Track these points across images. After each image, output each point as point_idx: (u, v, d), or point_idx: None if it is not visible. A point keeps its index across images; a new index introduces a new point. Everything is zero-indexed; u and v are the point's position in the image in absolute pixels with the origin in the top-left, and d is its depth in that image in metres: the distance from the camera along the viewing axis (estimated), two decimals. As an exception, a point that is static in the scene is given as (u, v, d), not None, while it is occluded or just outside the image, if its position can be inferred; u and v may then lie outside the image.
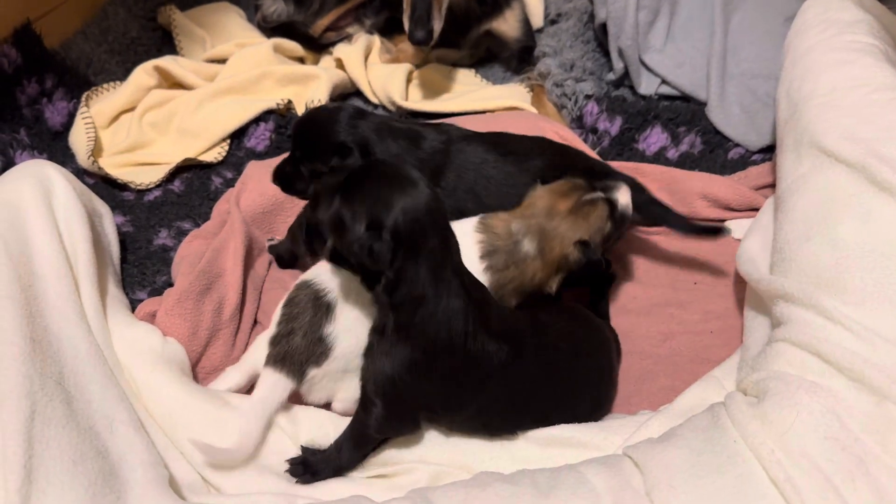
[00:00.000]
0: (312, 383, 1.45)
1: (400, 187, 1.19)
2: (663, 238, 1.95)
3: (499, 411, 1.38)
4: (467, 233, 1.52)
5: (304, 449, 1.41)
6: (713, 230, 1.76)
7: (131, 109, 2.38)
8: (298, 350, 1.41)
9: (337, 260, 1.29)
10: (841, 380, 1.17)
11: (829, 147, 1.49)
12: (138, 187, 2.18)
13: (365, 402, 1.33)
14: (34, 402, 1.21)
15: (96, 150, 2.23)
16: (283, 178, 1.76)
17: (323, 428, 1.46)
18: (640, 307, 1.76)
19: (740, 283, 1.76)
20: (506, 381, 1.33)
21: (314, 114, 1.75)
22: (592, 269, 1.52)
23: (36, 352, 1.29)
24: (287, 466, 1.39)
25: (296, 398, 1.49)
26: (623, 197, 1.60)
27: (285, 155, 1.78)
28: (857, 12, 1.85)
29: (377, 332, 1.29)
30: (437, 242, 1.20)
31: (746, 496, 1.10)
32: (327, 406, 1.52)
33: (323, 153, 1.65)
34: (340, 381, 1.46)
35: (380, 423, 1.33)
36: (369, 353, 1.32)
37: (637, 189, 1.71)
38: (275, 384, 1.43)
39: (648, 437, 1.28)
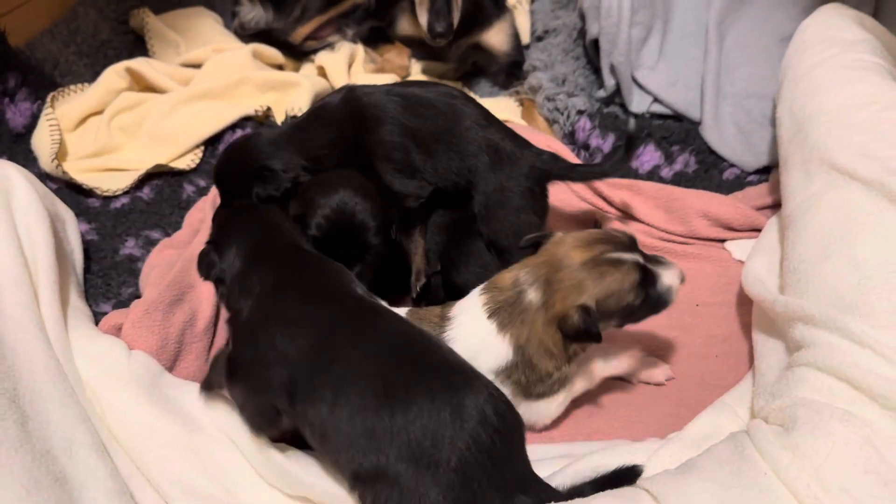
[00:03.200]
0: None
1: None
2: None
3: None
4: (474, 296, 1.42)
5: None
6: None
7: (99, 112, 2.26)
8: None
9: None
10: (874, 408, 1.08)
11: (842, 165, 1.43)
12: (105, 194, 2.05)
13: None
14: (-17, 422, 1.09)
15: (60, 154, 2.11)
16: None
17: None
18: (640, 329, 1.67)
19: (744, 306, 1.69)
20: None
21: (228, 148, 1.75)
22: (591, 340, 1.32)
23: (-13, 366, 1.17)
24: None
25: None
26: (669, 278, 1.37)
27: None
28: (859, 32, 1.82)
29: None
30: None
31: (783, 534, 1.01)
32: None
33: (242, 183, 1.62)
34: None
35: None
36: None
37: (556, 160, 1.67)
38: None
39: (664, 469, 1.18)
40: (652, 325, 1.68)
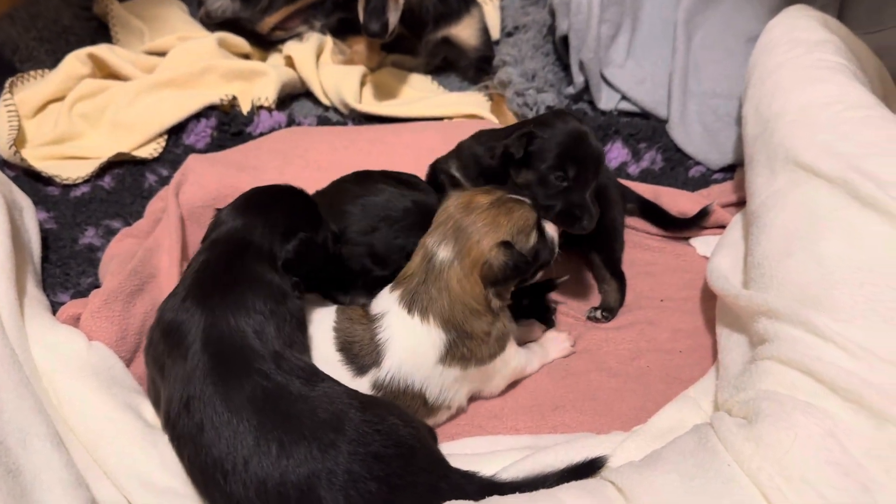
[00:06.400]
0: None
1: None
2: (627, 252, 1.87)
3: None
4: (390, 294, 1.40)
5: None
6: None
7: (60, 99, 2.21)
8: None
9: None
10: (835, 400, 1.10)
11: (806, 162, 1.45)
12: (64, 182, 2.01)
13: None
14: (-67, 412, 1.05)
15: (19, 141, 2.06)
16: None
17: None
18: (608, 323, 1.68)
19: (707, 301, 1.70)
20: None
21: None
22: (519, 276, 1.32)
23: (-62, 354, 1.13)
24: None
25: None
26: (551, 229, 1.44)
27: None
28: (824, 33, 1.84)
29: None
30: None
31: (745, 525, 1.02)
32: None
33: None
34: None
35: None
36: None
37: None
38: None
39: (629, 461, 1.18)
40: (617, 320, 1.70)
